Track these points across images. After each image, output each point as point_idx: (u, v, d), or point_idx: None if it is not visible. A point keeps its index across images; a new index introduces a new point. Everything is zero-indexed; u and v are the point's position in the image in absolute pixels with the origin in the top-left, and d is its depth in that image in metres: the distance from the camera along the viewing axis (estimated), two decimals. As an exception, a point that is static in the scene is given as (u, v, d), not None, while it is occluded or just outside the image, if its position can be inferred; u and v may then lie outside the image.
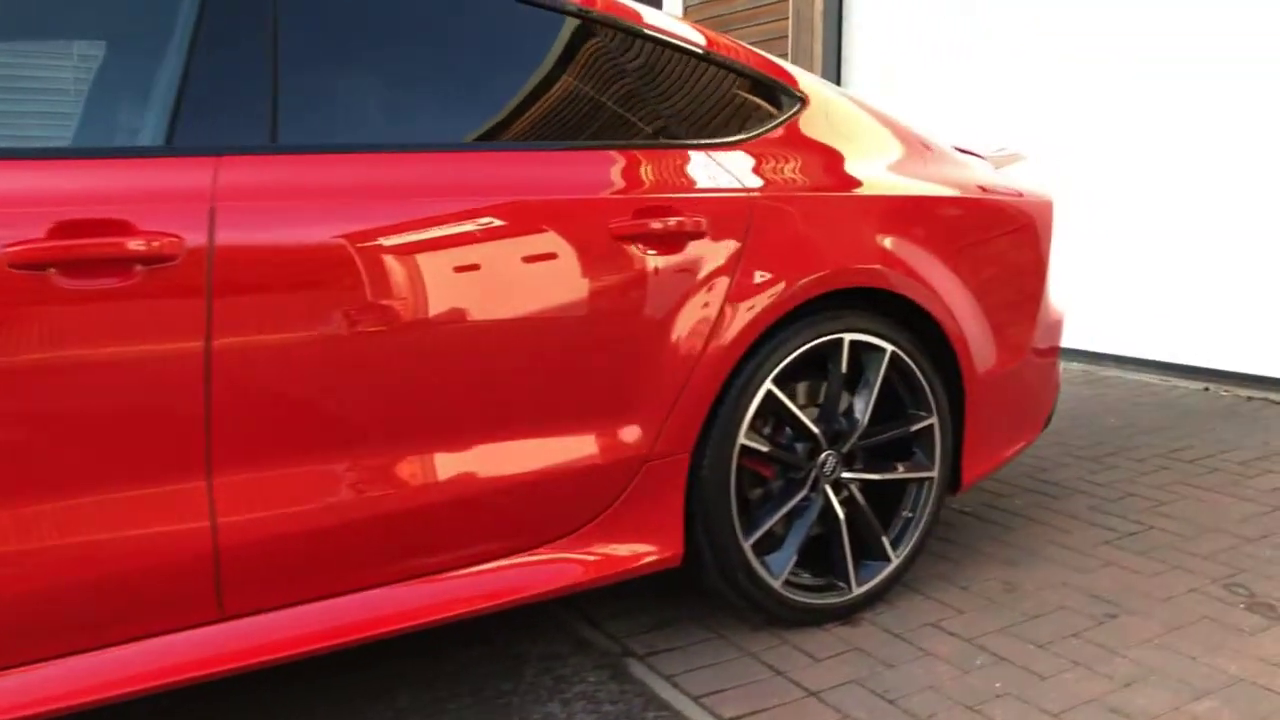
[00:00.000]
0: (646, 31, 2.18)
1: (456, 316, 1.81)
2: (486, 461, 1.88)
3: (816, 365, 2.30)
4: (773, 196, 2.17)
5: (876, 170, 2.40)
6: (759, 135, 2.27)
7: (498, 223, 1.85)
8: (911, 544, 2.44)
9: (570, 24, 2.08)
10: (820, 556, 2.37)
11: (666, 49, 2.20)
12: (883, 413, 2.42)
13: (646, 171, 2.05)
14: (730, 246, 2.10)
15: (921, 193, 2.42)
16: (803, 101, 2.40)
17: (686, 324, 2.05)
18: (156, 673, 1.63)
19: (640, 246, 1.99)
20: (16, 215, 1.48)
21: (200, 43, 1.70)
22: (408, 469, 1.80)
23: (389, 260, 1.75)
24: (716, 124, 2.22)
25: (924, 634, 2.29)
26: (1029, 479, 3.34)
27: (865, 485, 2.40)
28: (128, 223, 1.53)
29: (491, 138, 1.94)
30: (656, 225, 2.00)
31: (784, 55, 6.38)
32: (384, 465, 1.79)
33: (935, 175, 2.51)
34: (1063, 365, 5.03)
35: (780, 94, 2.37)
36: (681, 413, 2.07)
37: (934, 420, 2.42)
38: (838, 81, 6.36)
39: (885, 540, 2.39)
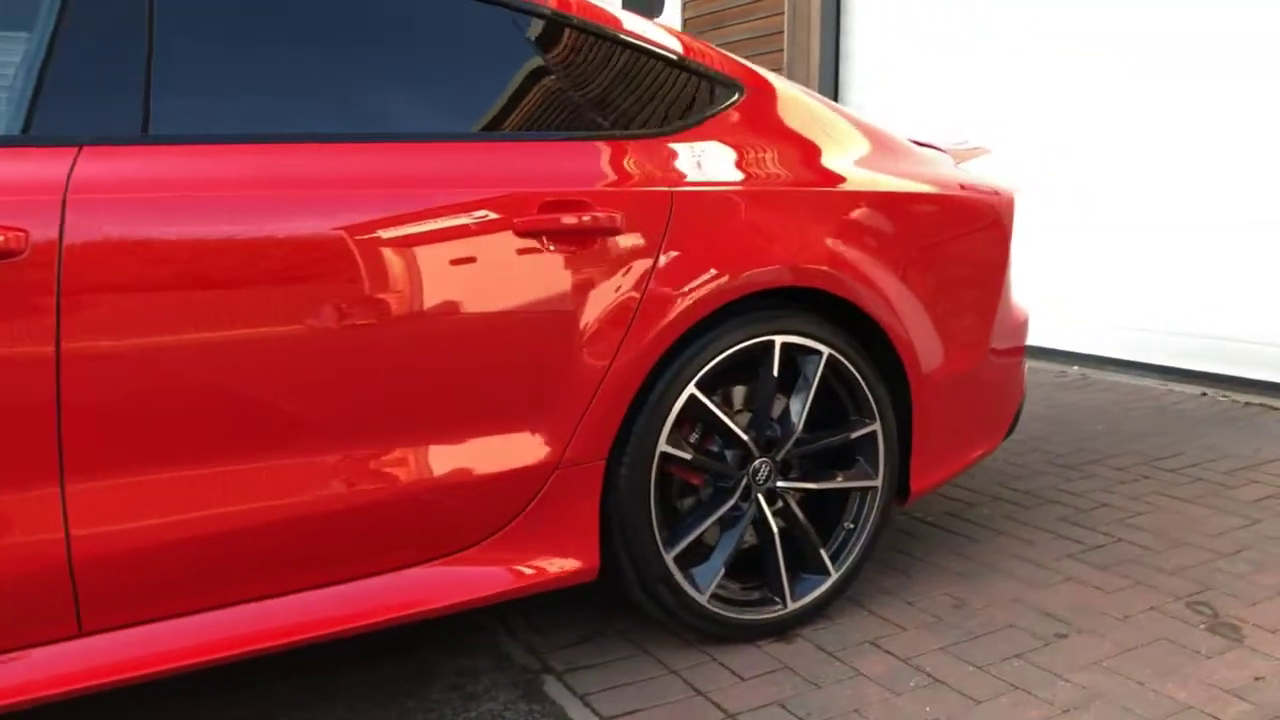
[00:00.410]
0: (559, 15, 2.07)
1: (337, 316, 1.71)
2: (374, 469, 1.79)
3: (753, 368, 2.19)
4: (697, 190, 2.07)
5: (822, 164, 2.28)
6: (689, 127, 2.16)
7: (385, 218, 1.75)
8: (853, 557, 2.32)
9: (469, 6, 1.97)
10: (755, 569, 2.26)
11: (584, 35, 2.09)
12: (823, 418, 2.31)
13: (556, 164, 1.95)
14: (647, 243, 1.99)
15: (869, 188, 2.30)
16: (743, 93, 2.28)
17: (597, 325, 1.94)
18: (9, 690, 1.55)
19: (546, 242, 1.89)
20: None
21: (67, 24, 1.62)
22: (284, 477, 1.71)
23: (263, 258, 1.65)
24: (641, 114, 2.11)
25: (859, 652, 2.17)
26: (1000, 487, 3.20)
27: (804, 495, 2.29)
28: (-33, 216, 1.45)
29: (383, 128, 1.84)
30: (565, 220, 1.90)
31: (779, 52, 6.26)
32: (256, 472, 1.69)
33: (891, 170, 2.39)
34: (1060, 369, 4.88)
35: (718, 85, 2.26)
36: (594, 418, 1.96)
37: (877, 427, 2.30)
38: (835, 79, 6.23)
39: (824, 553, 2.28)
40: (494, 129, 1.95)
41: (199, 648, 1.69)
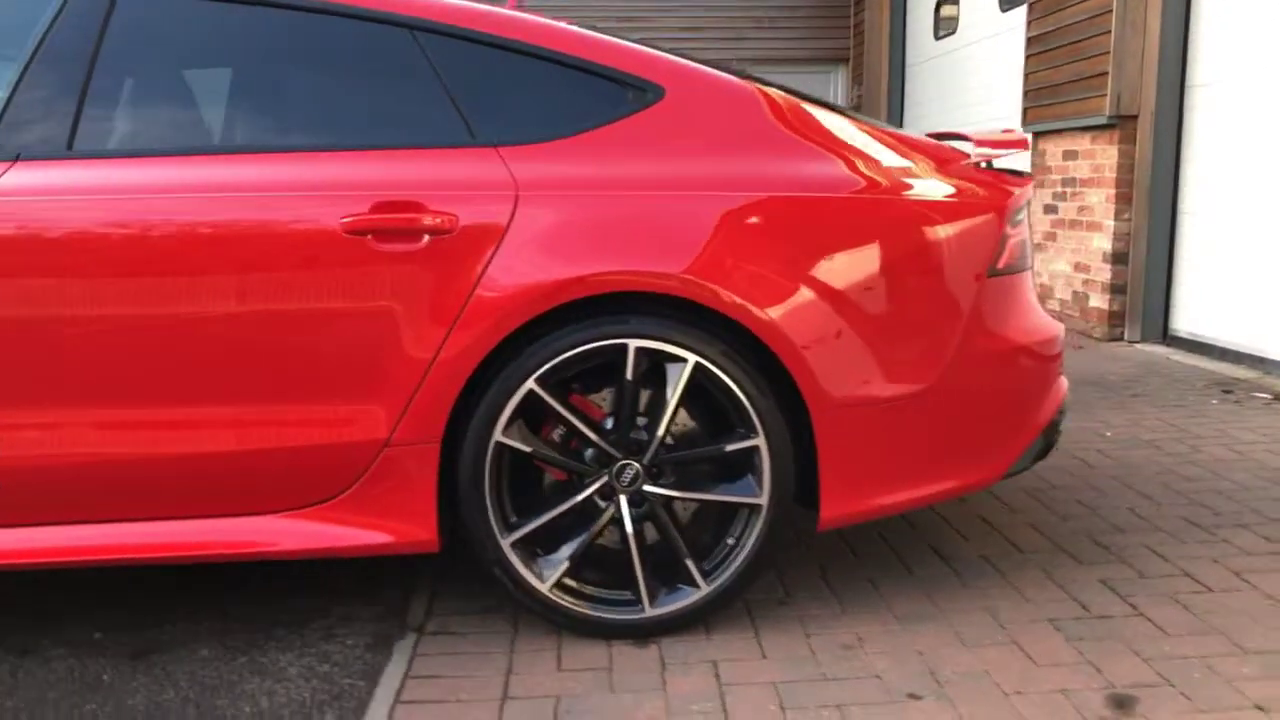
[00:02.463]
0: (419, 23, 2.23)
1: (190, 300, 2.08)
2: (222, 428, 2.13)
3: (658, 373, 2.20)
4: (548, 195, 2.13)
5: (727, 169, 2.20)
6: (575, 133, 2.21)
7: (232, 216, 2.08)
8: (729, 574, 2.23)
9: (333, 25, 2.22)
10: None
11: (452, 42, 2.23)
12: (716, 428, 2.25)
13: (400, 170, 2.13)
14: (483, 243, 2.11)
15: (765, 193, 2.17)
16: (660, 96, 2.27)
17: (422, 319, 2.10)
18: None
19: (375, 240, 2.09)
20: None
21: (28, 79, 2.16)
22: (141, 428, 2.11)
23: (135, 248, 2.06)
24: (518, 121, 2.21)
25: (689, 670, 2.10)
26: (1088, 540, 2.76)
27: (696, 505, 2.26)
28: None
29: (244, 143, 2.17)
30: (392, 219, 2.09)
31: (1107, 33, 5.56)
32: (131, 420, 2.11)
33: (828, 175, 2.23)
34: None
35: (631, 89, 2.27)
36: (422, 404, 2.13)
37: (759, 442, 2.18)
38: (1183, 59, 5.41)
39: (691, 565, 2.22)
40: (351, 140, 2.18)
41: (92, 549, 2.16)
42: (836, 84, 11.29)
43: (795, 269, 2.17)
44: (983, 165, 2.45)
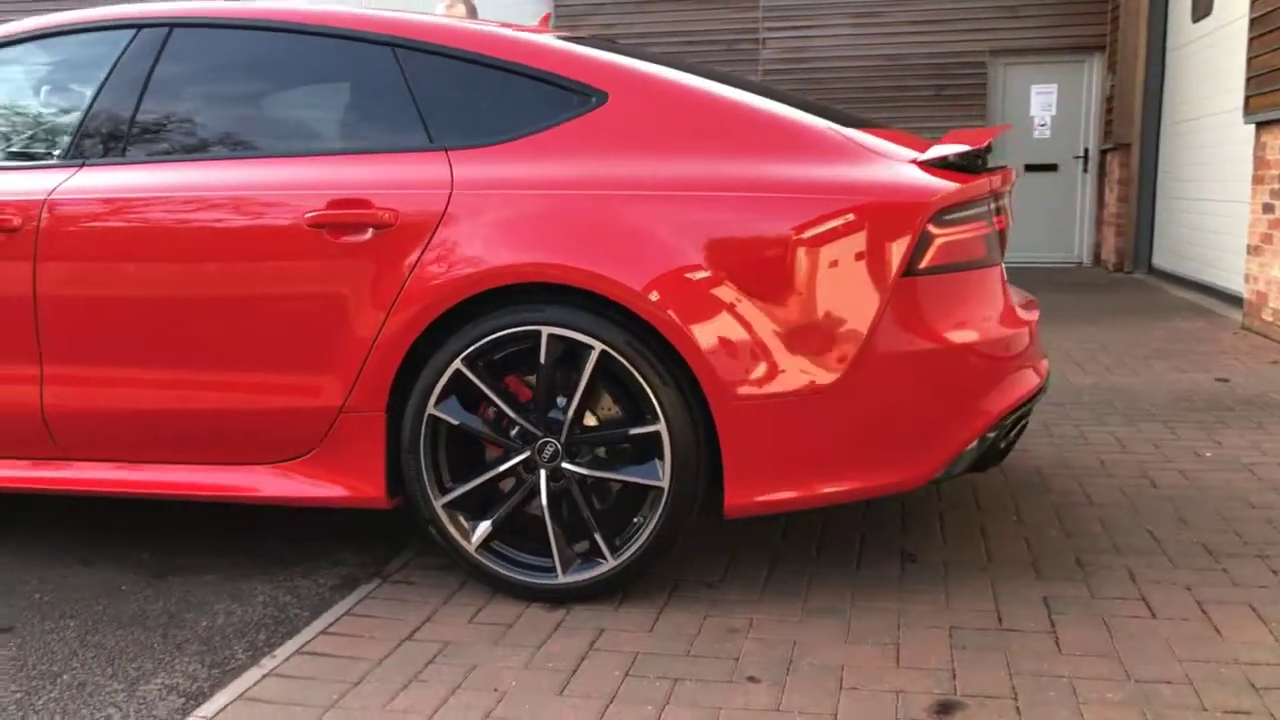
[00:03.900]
0: (383, 40, 2.54)
1: (182, 281, 2.51)
2: (212, 393, 2.53)
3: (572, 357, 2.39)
4: (476, 194, 2.37)
5: (651, 170, 2.34)
6: (518, 136, 2.43)
7: (220, 212, 2.48)
8: (633, 550, 2.36)
9: (329, 47, 2.56)
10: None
11: (436, 58, 2.51)
12: (638, 413, 2.39)
13: (354, 170, 2.44)
14: (418, 236, 2.38)
15: (673, 191, 2.29)
16: (603, 100, 2.44)
17: (366, 301, 2.41)
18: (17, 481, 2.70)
19: (331, 232, 2.42)
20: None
21: (99, 100, 2.67)
22: (153, 387, 2.57)
23: (162, 236, 2.51)
24: (466, 126, 2.46)
25: (574, 633, 2.28)
26: (1072, 557, 2.62)
27: (615, 483, 2.42)
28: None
29: (231, 150, 2.57)
30: (344, 213, 2.40)
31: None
32: (150, 379, 2.57)
33: (726, 172, 2.31)
34: None
35: (576, 94, 2.46)
36: (368, 377, 2.44)
37: (660, 428, 2.30)
38: None
39: (599, 539, 2.38)
40: (320, 146, 2.53)
41: (122, 483, 2.65)
42: (1090, 75, 10.55)
43: (696, 265, 2.27)
44: (949, 159, 2.40)
